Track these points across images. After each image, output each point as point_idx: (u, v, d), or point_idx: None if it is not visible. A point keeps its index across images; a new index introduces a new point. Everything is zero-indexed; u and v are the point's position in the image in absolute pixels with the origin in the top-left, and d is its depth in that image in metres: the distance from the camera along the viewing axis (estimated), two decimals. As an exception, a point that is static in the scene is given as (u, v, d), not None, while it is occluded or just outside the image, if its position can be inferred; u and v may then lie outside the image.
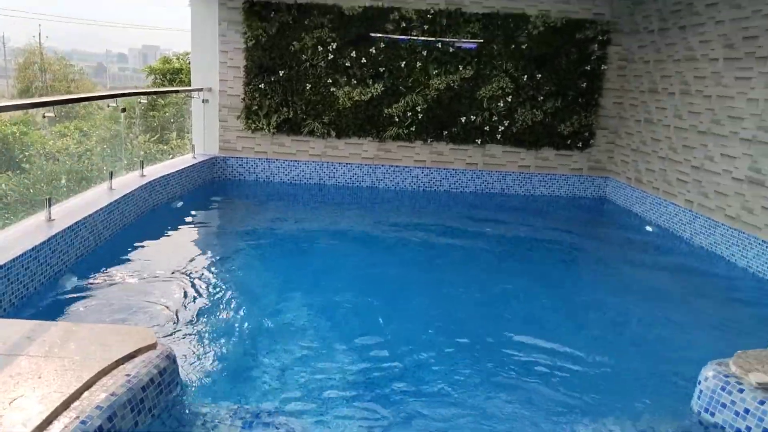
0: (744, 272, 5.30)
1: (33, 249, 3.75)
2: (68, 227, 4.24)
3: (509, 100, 8.01)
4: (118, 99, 5.91)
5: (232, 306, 3.88)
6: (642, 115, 7.57)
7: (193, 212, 6.49)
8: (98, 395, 2.15)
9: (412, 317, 3.91)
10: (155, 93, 8.64)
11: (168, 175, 6.56)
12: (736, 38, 5.72)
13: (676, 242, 6.35)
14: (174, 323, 3.53)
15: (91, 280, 4.07)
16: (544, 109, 8.07)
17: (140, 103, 6.83)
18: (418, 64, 7.87)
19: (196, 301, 3.91)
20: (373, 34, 7.82)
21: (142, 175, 6.22)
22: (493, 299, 4.39)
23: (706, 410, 2.66)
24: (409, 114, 8.05)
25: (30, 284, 3.71)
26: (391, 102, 8.01)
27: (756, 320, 4.34)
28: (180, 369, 2.68)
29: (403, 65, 7.87)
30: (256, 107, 8.04)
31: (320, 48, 7.81)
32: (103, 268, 4.30)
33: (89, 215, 4.62)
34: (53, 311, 3.57)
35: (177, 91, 8.91)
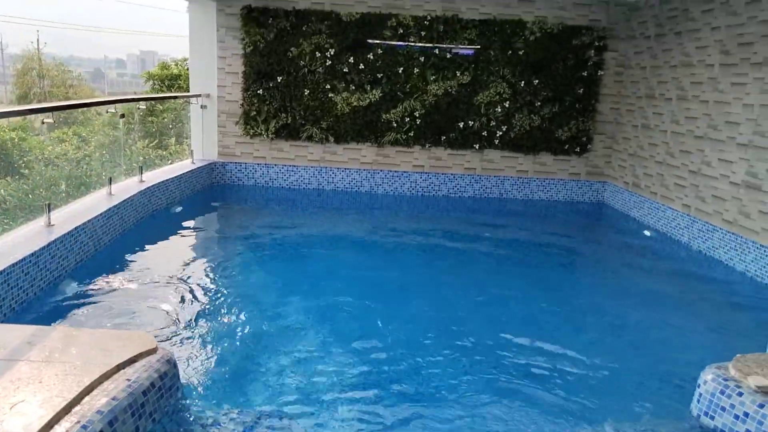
0: (742, 276, 5.32)
1: (33, 254, 3.75)
2: (68, 232, 4.24)
3: (507, 105, 8.04)
4: (117, 105, 5.93)
5: (231, 310, 3.88)
6: (639, 121, 7.61)
7: (192, 217, 6.50)
8: (99, 400, 2.15)
9: (412, 320, 3.92)
10: (154, 99, 8.67)
11: (167, 180, 6.57)
12: (731, 44, 5.76)
13: (674, 246, 6.37)
14: (174, 328, 3.53)
15: (90, 286, 4.07)
16: (541, 115, 8.10)
17: (139, 108, 6.84)
18: (416, 69, 7.91)
19: (196, 305, 3.92)
20: (370, 41, 7.85)
21: (141, 181, 6.23)
22: (491, 302, 4.40)
23: (706, 413, 2.67)
24: (407, 119, 8.08)
25: (30, 289, 3.71)
26: (389, 107, 8.03)
27: (755, 324, 4.35)
28: (181, 373, 2.68)
29: (400, 71, 7.91)
30: (255, 113, 8.06)
31: (318, 54, 7.84)
32: (103, 274, 4.30)
33: (89, 221, 4.62)
34: (53, 316, 3.57)
35: (176, 97, 8.94)
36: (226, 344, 3.40)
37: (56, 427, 1.98)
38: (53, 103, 5.77)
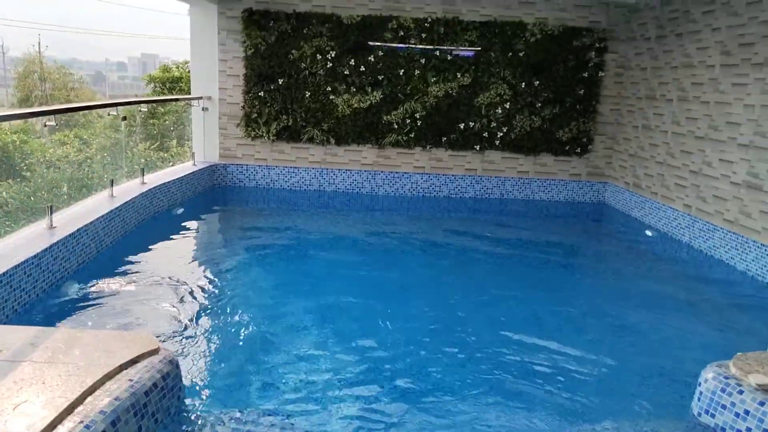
0: (743, 275, 5.32)
1: (35, 256, 3.76)
2: (70, 234, 4.26)
3: (507, 106, 8.05)
4: (118, 107, 5.95)
5: (233, 310, 3.89)
6: (639, 122, 7.62)
7: (193, 219, 6.51)
8: (102, 400, 2.15)
9: (412, 320, 3.93)
10: (155, 101, 8.69)
11: (168, 182, 6.58)
12: (732, 45, 5.77)
13: (675, 246, 6.38)
14: (176, 328, 3.54)
15: (93, 287, 4.08)
16: (542, 116, 8.11)
17: (140, 111, 6.86)
18: (417, 71, 7.92)
19: (198, 306, 3.93)
20: (371, 43, 7.87)
21: (143, 183, 6.25)
22: (492, 302, 4.41)
23: (707, 412, 2.67)
24: (408, 121, 8.09)
25: (32, 291, 3.72)
26: (390, 109, 8.05)
27: (755, 322, 4.36)
28: (183, 373, 2.69)
29: (401, 73, 7.92)
30: (256, 115, 8.08)
31: (319, 56, 7.86)
32: (105, 275, 4.31)
33: (90, 222, 4.63)
34: (56, 318, 3.58)
35: (177, 100, 8.96)
36: (227, 344, 3.41)
37: (59, 427, 1.98)
38: (55, 106, 5.80)
